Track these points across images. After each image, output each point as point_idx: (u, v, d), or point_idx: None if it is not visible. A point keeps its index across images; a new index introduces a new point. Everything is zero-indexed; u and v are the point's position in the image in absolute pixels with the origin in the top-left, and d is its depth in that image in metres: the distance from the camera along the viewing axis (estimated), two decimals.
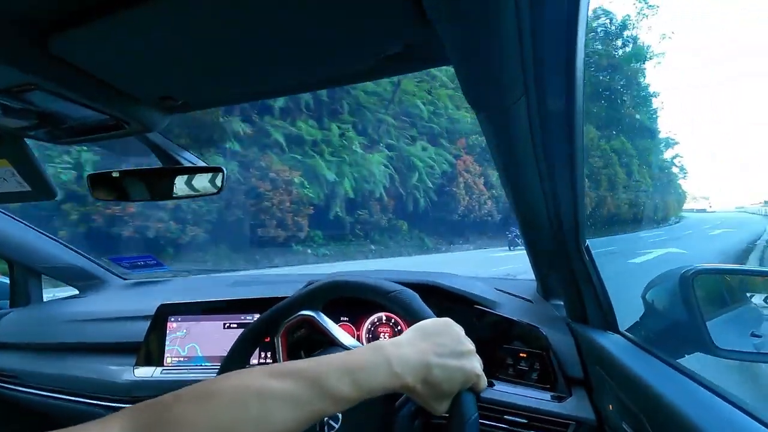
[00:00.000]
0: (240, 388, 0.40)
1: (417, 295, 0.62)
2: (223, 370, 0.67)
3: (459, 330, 0.52)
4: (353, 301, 0.99)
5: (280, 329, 0.68)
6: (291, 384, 0.41)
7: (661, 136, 29.02)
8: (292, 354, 0.70)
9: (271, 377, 0.41)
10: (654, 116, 27.23)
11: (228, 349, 0.69)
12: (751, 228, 17.88)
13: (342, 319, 0.98)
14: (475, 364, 0.51)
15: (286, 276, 1.29)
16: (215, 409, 0.38)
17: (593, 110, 21.61)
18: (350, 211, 12.40)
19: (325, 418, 0.60)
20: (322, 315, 0.67)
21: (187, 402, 0.38)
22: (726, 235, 14.89)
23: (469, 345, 0.52)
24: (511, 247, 13.24)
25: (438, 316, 0.56)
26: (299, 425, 0.40)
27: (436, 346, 0.48)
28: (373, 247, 12.78)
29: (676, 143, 30.76)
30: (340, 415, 0.60)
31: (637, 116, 25.61)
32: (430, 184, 14.46)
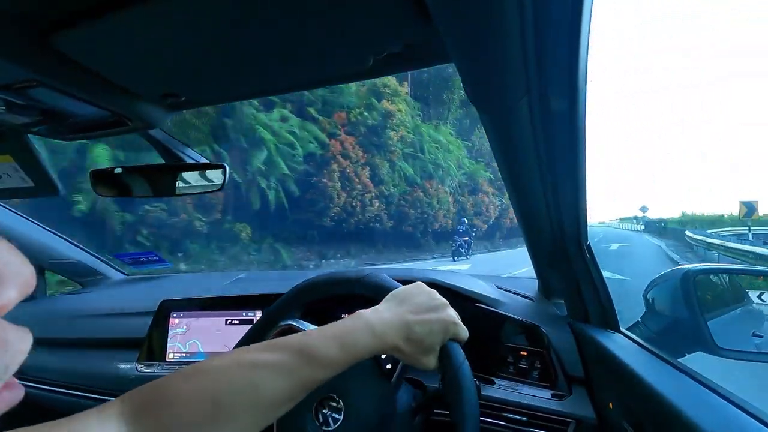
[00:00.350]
0: (230, 363, 0.42)
1: (384, 273, 0.64)
2: None
3: (429, 289, 0.56)
4: (350, 300, 0.99)
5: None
6: (280, 355, 0.43)
7: None
8: None
9: (261, 351, 0.44)
10: None
11: (229, 345, 0.70)
12: (639, 241, 18.83)
13: (342, 317, 0.98)
14: (451, 313, 0.54)
15: (290, 273, 1.29)
16: (207, 383, 0.40)
17: None
18: (126, 206, 7.19)
19: (328, 412, 0.60)
20: (302, 321, 0.67)
21: (179, 380, 0.40)
22: (626, 251, 14.50)
23: (442, 299, 0.55)
24: (456, 258, 11.91)
25: None
26: (290, 393, 0.43)
27: (412, 306, 0.52)
28: (183, 266, 7.87)
29: None
30: (342, 415, 0.60)
31: None
32: (287, 170, 9.68)
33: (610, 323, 0.77)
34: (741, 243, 9.84)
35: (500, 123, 0.48)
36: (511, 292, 1.02)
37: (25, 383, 1.22)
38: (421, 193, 13.88)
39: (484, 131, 0.51)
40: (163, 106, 0.61)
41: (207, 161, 0.83)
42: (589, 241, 0.72)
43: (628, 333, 0.77)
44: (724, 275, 1.03)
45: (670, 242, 15.52)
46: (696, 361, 0.71)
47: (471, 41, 0.35)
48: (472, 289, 0.93)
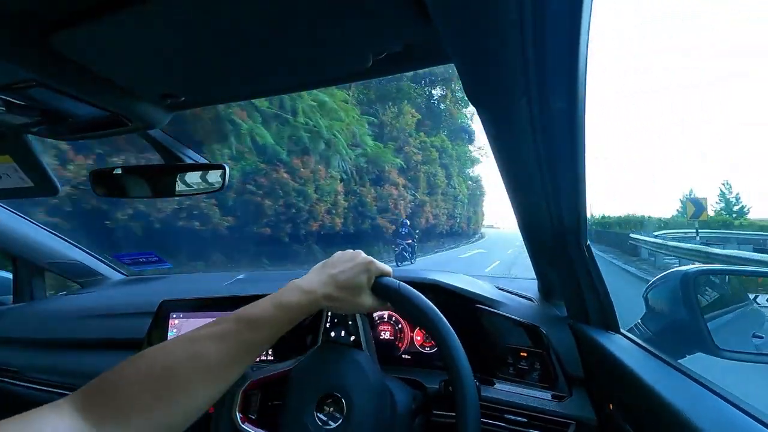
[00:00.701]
0: (172, 342, 0.46)
1: None
2: None
3: (346, 251, 0.63)
4: None
5: None
6: (219, 325, 0.48)
7: (472, 149, 26.33)
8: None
9: (202, 327, 0.48)
10: (468, 121, 24.23)
11: None
12: None
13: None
14: (365, 256, 0.61)
15: (292, 273, 1.28)
16: (149, 363, 0.43)
17: (412, 94, 17.37)
18: None
19: (330, 410, 0.60)
20: None
21: (124, 366, 0.43)
22: None
23: (356, 251, 0.62)
24: (399, 263, 10.80)
25: None
26: (234, 356, 0.47)
27: (331, 264, 0.59)
28: None
29: (480, 161, 28.60)
30: (343, 413, 0.60)
31: (458, 116, 22.55)
32: None
33: (610, 324, 0.77)
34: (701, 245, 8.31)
35: (500, 122, 0.48)
36: (510, 292, 1.02)
37: (25, 384, 1.23)
38: (286, 175, 8.76)
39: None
40: (162, 106, 0.61)
41: (207, 161, 0.83)
42: (588, 241, 0.72)
43: (628, 334, 0.77)
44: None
45: (600, 246, 13.47)
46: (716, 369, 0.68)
47: (470, 41, 0.35)
48: (472, 290, 0.93)
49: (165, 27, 0.40)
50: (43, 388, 1.07)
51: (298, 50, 0.45)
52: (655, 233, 13.47)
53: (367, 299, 0.59)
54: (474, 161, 26.95)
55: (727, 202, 33.02)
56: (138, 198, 0.83)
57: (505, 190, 0.64)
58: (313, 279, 0.57)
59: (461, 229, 22.86)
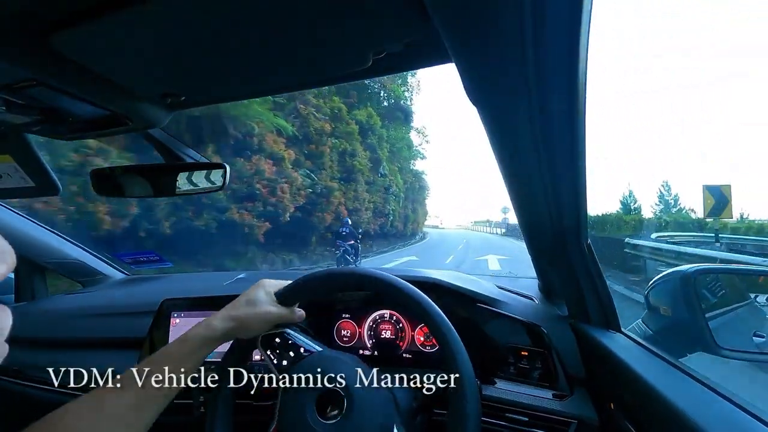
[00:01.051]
0: (78, 403, 0.49)
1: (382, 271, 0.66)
2: (224, 363, 0.67)
3: None
4: (354, 300, 0.99)
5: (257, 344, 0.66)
6: (124, 376, 0.51)
7: (415, 139, 22.51)
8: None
9: (110, 383, 0.51)
10: (408, 99, 20.94)
11: (229, 344, 0.69)
12: (520, 251, 11.97)
13: (344, 316, 0.99)
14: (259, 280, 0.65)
15: (292, 273, 1.28)
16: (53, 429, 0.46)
17: None
18: None
19: (329, 408, 0.60)
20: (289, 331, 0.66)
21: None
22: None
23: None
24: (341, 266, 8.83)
25: None
26: (138, 402, 0.50)
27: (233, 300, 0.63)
28: None
29: (424, 157, 25.45)
30: (343, 408, 0.60)
31: (392, 88, 18.79)
32: None
33: (611, 323, 0.77)
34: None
35: (499, 121, 0.48)
36: (512, 292, 1.02)
37: (26, 383, 1.22)
38: None
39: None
40: (163, 105, 0.61)
41: (207, 161, 0.83)
42: (589, 240, 0.72)
43: (629, 333, 0.77)
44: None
45: None
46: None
47: (471, 41, 0.35)
48: (473, 289, 0.93)
49: (165, 27, 0.40)
50: (44, 387, 1.07)
51: (299, 50, 0.45)
52: (654, 235, 10.12)
53: (273, 308, 0.61)
54: (417, 154, 23.89)
55: (666, 203, 31.07)
56: (138, 198, 0.83)
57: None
58: (213, 315, 0.59)
59: (396, 228, 18.74)
